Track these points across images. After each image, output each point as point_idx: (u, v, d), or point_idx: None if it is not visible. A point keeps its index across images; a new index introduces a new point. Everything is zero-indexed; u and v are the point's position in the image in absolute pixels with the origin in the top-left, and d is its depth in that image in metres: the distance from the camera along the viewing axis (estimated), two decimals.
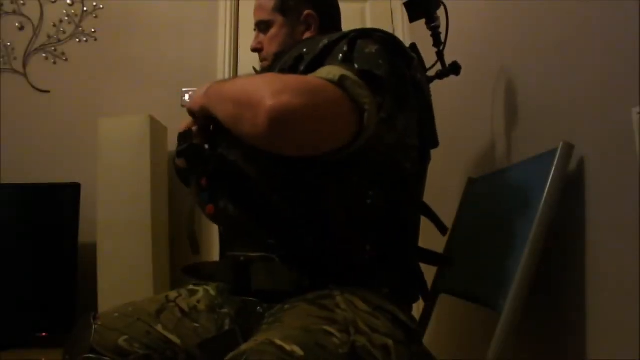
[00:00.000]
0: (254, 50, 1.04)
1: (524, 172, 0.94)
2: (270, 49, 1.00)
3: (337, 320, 0.65)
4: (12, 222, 1.95)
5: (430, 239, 1.02)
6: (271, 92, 0.65)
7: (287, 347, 0.55)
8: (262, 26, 1.02)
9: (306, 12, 1.00)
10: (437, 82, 1.22)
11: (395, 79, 0.78)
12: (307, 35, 1.01)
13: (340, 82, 0.69)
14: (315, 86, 0.69)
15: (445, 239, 1.14)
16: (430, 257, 0.95)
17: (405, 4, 1.21)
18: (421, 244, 0.92)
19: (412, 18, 1.22)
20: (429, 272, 0.98)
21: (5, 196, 1.98)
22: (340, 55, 0.76)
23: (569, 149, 0.81)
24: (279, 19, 1.00)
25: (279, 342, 0.56)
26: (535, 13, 1.02)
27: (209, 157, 0.85)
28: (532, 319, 0.92)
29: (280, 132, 0.65)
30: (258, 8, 1.03)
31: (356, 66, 0.73)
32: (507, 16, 1.19)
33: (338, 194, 0.79)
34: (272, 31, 1.01)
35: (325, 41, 0.82)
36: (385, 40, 0.80)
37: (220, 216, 0.89)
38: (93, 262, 1.85)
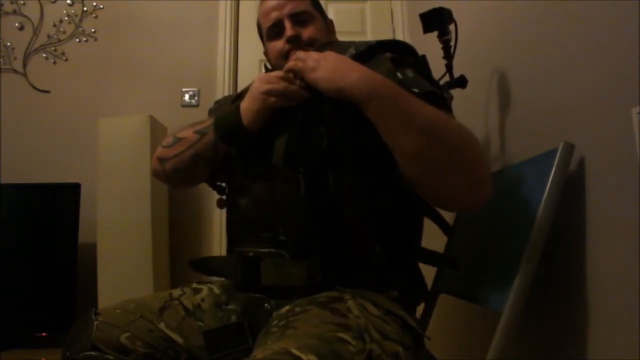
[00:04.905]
0: (294, 37, 0.95)
1: (524, 172, 0.94)
2: (319, 39, 0.97)
3: (351, 326, 0.64)
4: (12, 222, 1.95)
5: (429, 239, 1.02)
6: (489, 173, 0.78)
7: (304, 357, 0.54)
8: (302, 16, 0.97)
9: (329, 19, 1.05)
10: None
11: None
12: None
13: None
14: None
15: (445, 239, 1.14)
16: (435, 258, 0.96)
17: (421, 16, 1.24)
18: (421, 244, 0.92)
19: (426, 30, 1.25)
20: (428, 272, 0.98)
21: (5, 196, 1.97)
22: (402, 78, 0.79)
23: (569, 149, 0.81)
24: (317, 16, 1.01)
25: (296, 352, 0.55)
26: (535, 12, 1.02)
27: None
28: (532, 319, 0.92)
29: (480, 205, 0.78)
30: None
31: (416, 90, 0.77)
32: (507, 16, 1.19)
33: (350, 193, 0.79)
34: (317, 24, 0.99)
35: (353, 51, 0.86)
36: (418, 61, 0.86)
37: (233, 210, 0.89)
38: (93, 262, 1.85)
